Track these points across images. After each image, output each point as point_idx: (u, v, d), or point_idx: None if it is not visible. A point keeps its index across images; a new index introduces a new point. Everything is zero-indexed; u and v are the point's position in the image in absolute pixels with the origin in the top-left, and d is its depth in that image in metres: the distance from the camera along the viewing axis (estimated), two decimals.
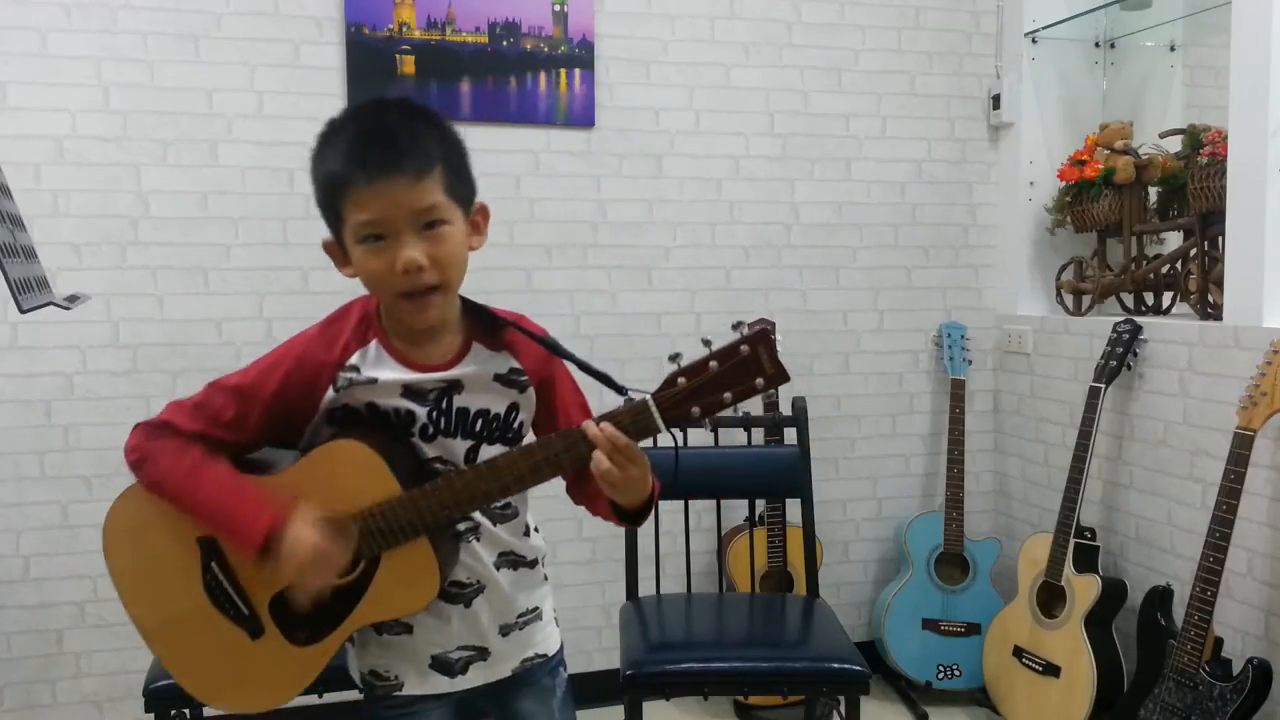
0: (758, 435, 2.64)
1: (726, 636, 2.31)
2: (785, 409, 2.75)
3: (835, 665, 2.08)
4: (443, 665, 1.40)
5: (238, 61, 2.65)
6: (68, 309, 1.66)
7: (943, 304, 3.22)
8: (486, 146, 2.78)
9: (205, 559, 1.37)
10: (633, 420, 1.25)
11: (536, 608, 1.48)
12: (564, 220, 2.89)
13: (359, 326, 1.34)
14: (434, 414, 1.34)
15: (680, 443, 1.50)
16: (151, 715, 1.97)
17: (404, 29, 2.73)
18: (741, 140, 3.02)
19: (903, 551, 3.06)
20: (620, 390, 1.29)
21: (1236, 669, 2.11)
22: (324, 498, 1.30)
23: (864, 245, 3.14)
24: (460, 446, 1.37)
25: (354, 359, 1.32)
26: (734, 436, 2.61)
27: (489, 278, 2.73)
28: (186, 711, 2.07)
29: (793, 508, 2.69)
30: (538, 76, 2.83)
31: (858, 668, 2.06)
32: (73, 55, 2.55)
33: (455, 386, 1.34)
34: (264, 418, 1.33)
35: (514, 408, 1.39)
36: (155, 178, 2.62)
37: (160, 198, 2.63)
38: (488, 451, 1.37)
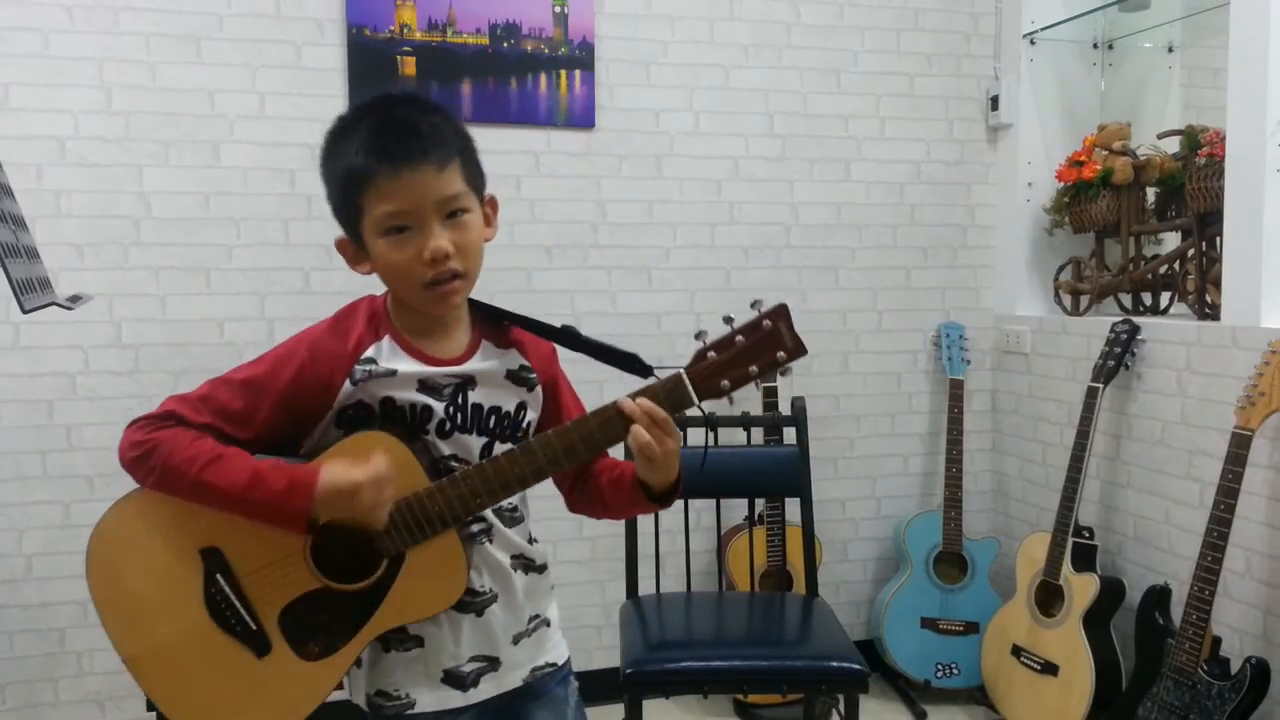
0: (757, 435, 2.65)
1: (726, 635, 2.33)
2: (785, 409, 2.76)
3: (834, 664, 2.09)
4: (455, 679, 1.36)
5: (239, 63, 2.66)
6: (70, 309, 1.66)
7: (941, 304, 3.23)
8: (487, 147, 2.73)
9: (209, 570, 1.31)
10: (667, 394, 1.26)
11: (545, 615, 1.47)
12: (564, 221, 2.90)
13: (370, 321, 1.33)
14: (450, 409, 1.32)
15: (709, 442, 1.52)
16: (153, 714, 1.97)
17: (405, 30, 2.74)
18: (741, 141, 3.03)
19: (901, 550, 3.07)
20: (647, 370, 1.31)
21: (1234, 668, 2.12)
22: None
23: (863, 246, 3.15)
24: (476, 443, 1.35)
25: (369, 352, 1.30)
26: (733, 436, 2.62)
27: (490, 278, 2.74)
28: None
29: (792, 507, 2.70)
30: (538, 78, 2.84)
31: (857, 666, 2.07)
32: (75, 56, 2.55)
33: (469, 382, 1.34)
34: (273, 412, 1.29)
35: (523, 406, 1.39)
36: (157, 178, 2.63)
37: (162, 198, 2.64)
38: (500, 449, 1.35)
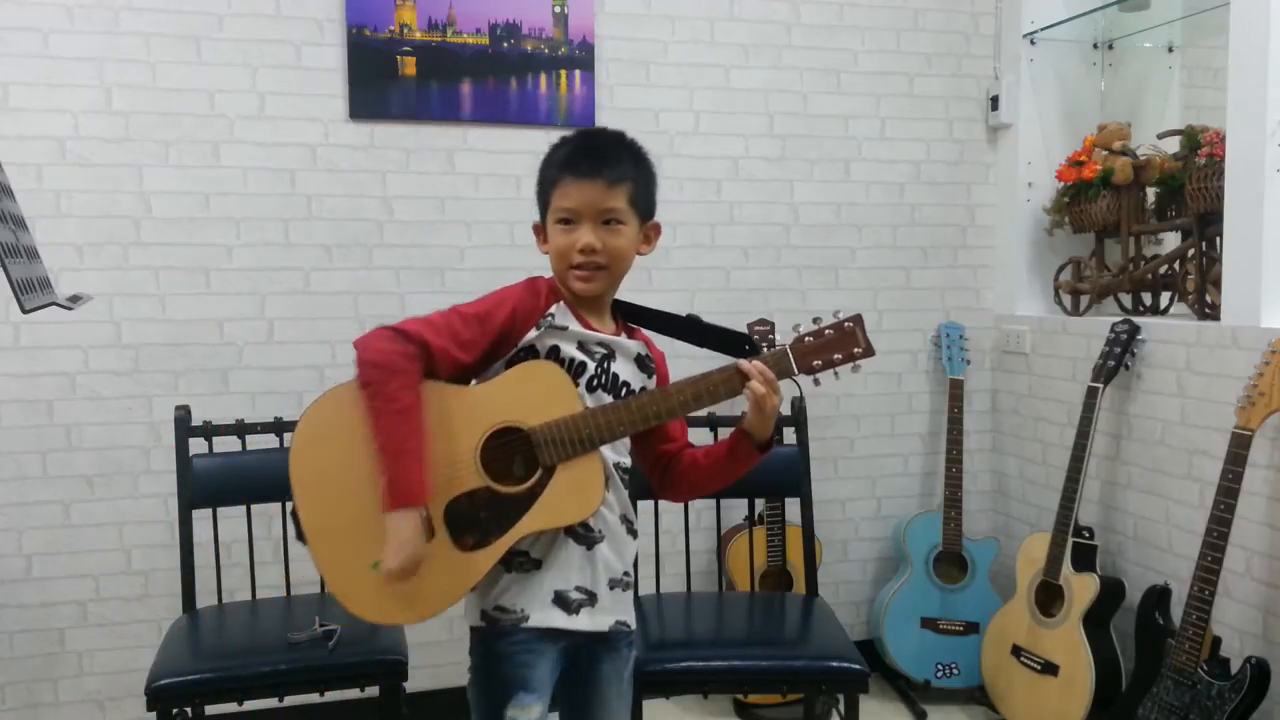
0: None
1: (726, 635, 2.33)
2: (785, 408, 2.76)
3: (834, 664, 2.10)
4: (562, 602, 1.60)
5: (239, 63, 2.66)
6: (70, 309, 1.66)
7: (941, 304, 3.23)
8: (487, 148, 2.79)
9: None
10: (775, 362, 1.60)
11: (631, 577, 1.70)
12: None
13: (550, 290, 1.65)
14: (598, 370, 1.62)
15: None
16: (153, 714, 1.98)
17: (405, 30, 2.74)
18: (741, 141, 3.03)
19: (901, 551, 3.07)
20: (756, 349, 1.64)
21: (1234, 668, 2.12)
22: (518, 408, 1.55)
23: (863, 246, 3.15)
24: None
25: (551, 309, 1.62)
26: None
27: (494, 277, 2.74)
28: (188, 710, 2.08)
29: (792, 507, 2.70)
30: (538, 78, 2.84)
31: (856, 666, 2.08)
32: (75, 56, 2.55)
33: (612, 354, 1.64)
34: (488, 343, 1.58)
35: (645, 389, 1.67)
36: (157, 178, 2.63)
37: (162, 198, 2.64)
38: None
